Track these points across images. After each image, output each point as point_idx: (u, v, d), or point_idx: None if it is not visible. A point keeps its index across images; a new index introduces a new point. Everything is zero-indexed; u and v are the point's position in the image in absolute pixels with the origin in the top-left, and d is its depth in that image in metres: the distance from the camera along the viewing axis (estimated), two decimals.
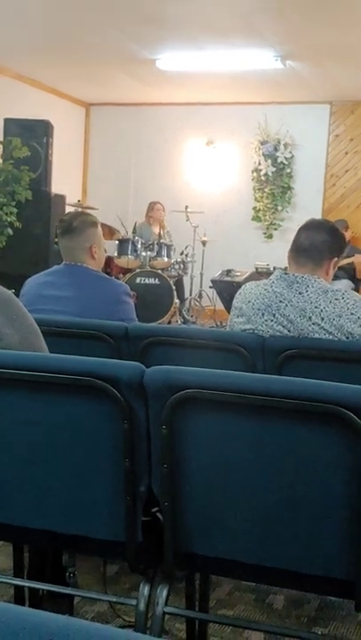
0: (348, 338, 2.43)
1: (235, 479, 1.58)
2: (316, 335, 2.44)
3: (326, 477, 1.52)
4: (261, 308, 2.52)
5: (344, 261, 8.37)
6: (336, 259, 2.64)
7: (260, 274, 8.35)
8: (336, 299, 2.46)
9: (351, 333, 2.42)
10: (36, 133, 7.78)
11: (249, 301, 2.57)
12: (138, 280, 7.99)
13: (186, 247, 8.64)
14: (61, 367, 1.60)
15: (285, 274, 2.55)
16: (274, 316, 2.49)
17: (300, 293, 2.48)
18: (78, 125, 10.60)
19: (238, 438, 1.56)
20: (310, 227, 2.64)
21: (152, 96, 9.75)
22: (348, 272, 8.41)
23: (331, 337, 2.43)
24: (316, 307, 2.45)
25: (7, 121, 7.88)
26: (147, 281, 8.02)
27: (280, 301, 2.50)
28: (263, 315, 2.51)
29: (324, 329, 2.42)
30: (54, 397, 1.65)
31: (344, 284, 8.04)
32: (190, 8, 6.25)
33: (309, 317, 2.44)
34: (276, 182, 9.73)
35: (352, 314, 2.43)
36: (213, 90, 9.17)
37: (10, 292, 2.01)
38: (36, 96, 9.31)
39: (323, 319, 2.43)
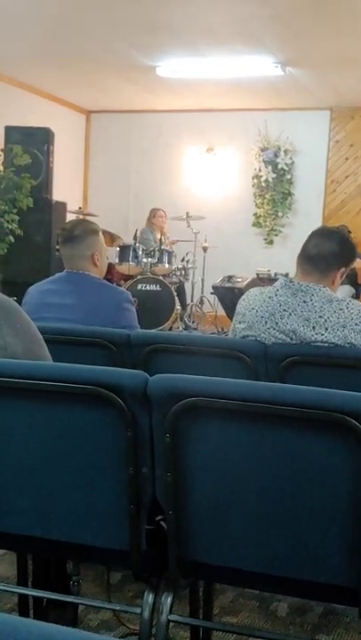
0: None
1: (238, 487, 1.59)
2: (320, 345, 2.43)
3: (330, 485, 1.52)
4: (265, 316, 2.51)
5: None
6: (344, 269, 2.59)
7: (261, 280, 8.36)
8: (341, 309, 2.44)
9: (354, 344, 2.41)
10: (36, 141, 7.79)
11: (253, 308, 2.56)
12: (139, 286, 8.00)
13: (187, 253, 8.65)
14: (65, 376, 1.61)
15: (290, 282, 2.53)
16: (276, 324, 2.48)
17: (304, 302, 2.47)
18: (79, 132, 10.62)
19: (242, 446, 1.56)
20: (320, 234, 2.59)
21: (152, 103, 9.77)
22: (350, 278, 8.40)
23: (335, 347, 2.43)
24: (320, 316, 2.43)
25: (8, 128, 7.90)
26: (148, 287, 8.03)
27: (284, 310, 2.48)
28: (266, 322, 2.50)
29: (328, 339, 2.41)
30: (58, 406, 1.66)
31: (345, 289, 8.03)
32: (190, 15, 6.27)
33: (313, 327, 2.43)
34: (276, 188, 9.75)
35: (356, 324, 2.42)
36: (213, 96, 9.20)
37: (13, 301, 2.01)
38: (36, 103, 9.34)
39: (327, 329, 2.42)
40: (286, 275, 2.66)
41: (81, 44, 7.35)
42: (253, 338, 2.53)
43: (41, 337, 2.03)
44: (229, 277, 8.37)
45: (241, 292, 7.51)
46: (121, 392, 1.56)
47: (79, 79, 8.82)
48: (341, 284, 8.72)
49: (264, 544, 1.60)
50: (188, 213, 8.81)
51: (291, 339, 2.46)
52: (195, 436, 1.58)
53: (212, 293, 8.61)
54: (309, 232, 2.66)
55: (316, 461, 1.52)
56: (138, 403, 1.58)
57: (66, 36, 7.06)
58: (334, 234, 2.63)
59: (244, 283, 8.15)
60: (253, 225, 9.89)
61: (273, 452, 1.54)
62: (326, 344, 2.41)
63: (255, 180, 9.85)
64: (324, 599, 2.20)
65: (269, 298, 2.53)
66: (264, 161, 9.72)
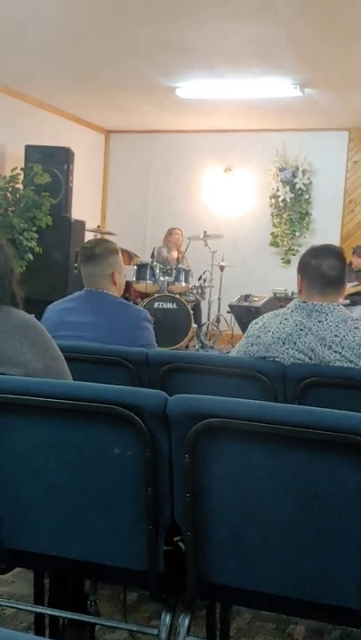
0: None
1: (256, 509, 1.58)
2: (338, 364, 2.43)
3: (349, 508, 1.51)
4: (282, 337, 2.52)
5: None
6: None
7: (278, 299, 8.36)
8: (356, 327, 2.46)
9: None
10: (56, 160, 7.87)
11: (269, 331, 2.56)
12: (156, 305, 8.02)
13: (204, 272, 8.67)
14: (85, 395, 1.62)
15: (304, 302, 2.55)
16: (295, 344, 2.49)
17: (319, 322, 2.49)
18: (98, 152, 10.71)
19: (261, 468, 1.56)
20: (327, 256, 2.59)
21: (171, 123, 9.84)
22: None
23: (352, 365, 2.43)
24: (336, 335, 2.45)
25: (28, 147, 7.98)
26: (165, 306, 8.05)
27: (300, 329, 2.49)
28: (284, 344, 2.51)
29: (345, 357, 2.42)
30: (77, 425, 1.66)
31: (359, 309, 8.02)
32: (210, 37, 6.33)
33: (330, 346, 2.44)
34: (294, 208, 9.76)
35: None
36: (232, 117, 9.25)
37: (33, 318, 2.04)
38: (56, 123, 9.44)
39: (343, 348, 2.43)
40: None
41: (101, 65, 7.43)
42: (272, 359, 2.53)
43: (61, 355, 2.05)
44: (246, 296, 8.37)
45: (258, 310, 7.52)
46: (140, 412, 1.57)
47: (99, 99, 8.91)
48: (358, 304, 8.65)
49: (282, 566, 1.59)
50: (205, 232, 8.84)
51: (310, 358, 2.47)
52: (214, 457, 1.58)
53: (228, 312, 8.61)
54: None
55: (335, 484, 1.51)
56: (157, 423, 1.58)
57: (86, 56, 7.15)
58: (336, 251, 2.65)
59: (261, 302, 8.15)
60: (271, 244, 9.90)
61: (291, 473, 1.54)
62: (345, 362, 2.42)
63: (273, 200, 9.87)
64: (341, 622, 2.17)
65: (285, 320, 2.54)
66: (282, 181, 9.75)
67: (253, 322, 2.67)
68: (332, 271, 2.55)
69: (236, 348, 2.71)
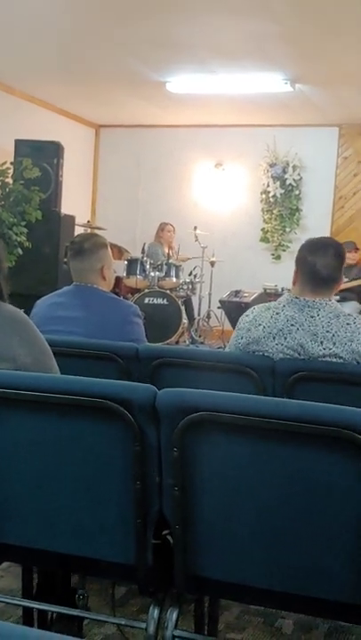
0: (358, 362, 2.44)
1: (245, 502, 1.58)
2: (328, 359, 2.43)
3: (336, 501, 1.52)
4: (273, 332, 2.51)
5: (354, 283, 8.37)
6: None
7: (268, 295, 8.37)
8: (348, 323, 2.46)
9: None
10: (46, 154, 7.83)
11: (259, 324, 2.56)
12: (146, 300, 8.01)
13: (194, 268, 8.66)
14: (74, 389, 1.61)
15: (296, 298, 2.54)
16: (285, 339, 2.49)
17: (311, 317, 2.48)
18: (88, 146, 10.68)
19: (249, 461, 1.56)
20: (324, 253, 2.55)
21: (162, 118, 9.82)
22: (357, 294, 8.41)
23: (343, 361, 2.43)
24: (327, 331, 2.45)
25: (18, 142, 7.94)
26: (155, 301, 8.04)
27: (291, 325, 2.49)
28: (275, 338, 2.51)
29: (336, 353, 2.42)
30: (66, 419, 1.66)
31: (352, 305, 8.04)
32: (201, 32, 6.32)
33: (321, 342, 2.44)
34: (284, 204, 9.77)
35: None
36: (223, 112, 9.25)
37: (22, 313, 2.03)
38: (46, 117, 9.40)
39: (335, 344, 2.43)
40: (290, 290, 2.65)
41: (91, 59, 7.41)
42: (261, 353, 2.53)
43: (50, 349, 2.04)
44: (236, 292, 8.38)
45: (248, 306, 7.52)
46: (130, 406, 1.57)
47: (89, 94, 8.88)
48: (349, 300, 8.69)
49: (270, 560, 1.59)
50: (196, 228, 8.84)
51: (299, 354, 2.47)
52: (202, 451, 1.58)
53: (219, 308, 8.62)
54: None
55: (323, 477, 1.52)
56: (146, 416, 1.58)
57: (76, 50, 7.12)
58: (334, 247, 2.60)
59: (251, 297, 8.16)
60: (261, 240, 9.91)
61: (280, 467, 1.54)
62: (334, 358, 2.42)
63: (263, 196, 9.88)
64: (329, 616, 2.18)
65: (276, 314, 2.54)
66: (272, 176, 9.76)
67: (244, 314, 2.66)
68: (326, 270, 2.53)
69: (230, 342, 2.71)
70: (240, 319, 2.66)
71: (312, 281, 2.54)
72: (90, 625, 2.44)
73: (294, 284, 2.61)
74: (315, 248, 2.59)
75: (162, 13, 5.91)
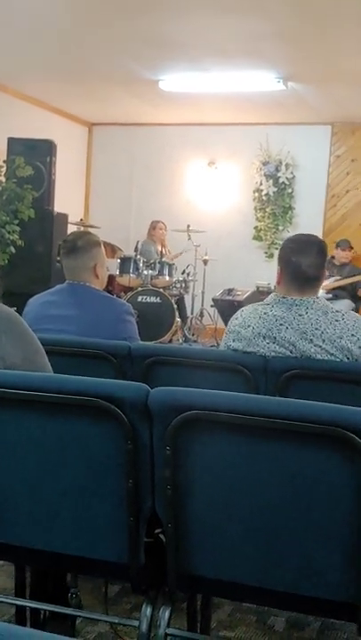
0: (348, 359, 2.44)
1: (238, 501, 1.59)
2: (319, 357, 2.44)
3: (329, 499, 1.52)
4: (262, 332, 2.52)
5: (346, 281, 8.39)
6: None
7: (261, 293, 8.38)
8: (336, 320, 2.46)
9: (351, 353, 2.43)
10: (39, 152, 7.82)
11: (249, 325, 2.56)
12: (139, 298, 8.01)
13: (187, 266, 8.66)
14: (66, 387, 1.61)
15: (283, 297, 2.55)
16: (275, 339, 2.49)
17: (300, 315, 2.49)
18: (81, 144, 10.67)
19: (242, 460, 1.56)
20: (308, 252, 2.54)
21: (155, 116, 9.82)
22: (349, 291, 8.44)
23: (333, 358, 2.44)
24: (316, 328, 2.45)
25: (11, 140, 7.92)
26: (148, 299, 8.04)
27: (280, 324, 2.50)
28: (264, 338, 2.51)
29: (326, 350, 2.43)
30: (58, 417, 1.66)
31: (345, 303, 8.06)
32: (194, 30, 6.31)
33: (310, 339, 2.45)
34: (277, 202, 9.78)
35: (353, 335, 2.44)
36: (216, 110, 9.25)
37: (13, 311, 2.02)
38: (39, 115, 9.39)
39: (324, 341, 2.43)
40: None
41: (84, 58, 7.39)
42: (253, 353, 2.54)
43: (42, 348, 2.03)
44: (229, 290, 8.38)
45: (241, 304, 7.53)
46: (122, 404, 1.57)
47: (82, 92, 8.87)
48: (341, 297, 8.72)
49: (263, 558, 1.60)
50: (189, 226, 8.84)
51: (291, 351, 2.48)
52: (195, 449, 1.58)
53: (212, 306, 8.62)
54: None
55: (316, 475, 1.52)
56: (138, 415, 1.58)
57: (69, 49, 7.11)
58: (317, 245, 2.60)
59: (244, 296, 8.17)
60: (254, 238, 9.92)
61: (272, 465, 1.54)
62: (325, 355, 2.43)
63: (256, 194, 9.88)
64: (322, 614, 2.19)
65: (264, 314, 2.54)
66: (265, 175, 9.77)
67: (233, 317, 2.67)
68: (312, 270, 2.53)
69: (221, 346, 2.71)
70: (230, 322, 2.66)
71: (298, 281, 2.54)
72: (83, 623, 2.44)
73: (279, 283, 2.61)
74: (298, 248, 2.57)
75: (155, 11, 5.91)
